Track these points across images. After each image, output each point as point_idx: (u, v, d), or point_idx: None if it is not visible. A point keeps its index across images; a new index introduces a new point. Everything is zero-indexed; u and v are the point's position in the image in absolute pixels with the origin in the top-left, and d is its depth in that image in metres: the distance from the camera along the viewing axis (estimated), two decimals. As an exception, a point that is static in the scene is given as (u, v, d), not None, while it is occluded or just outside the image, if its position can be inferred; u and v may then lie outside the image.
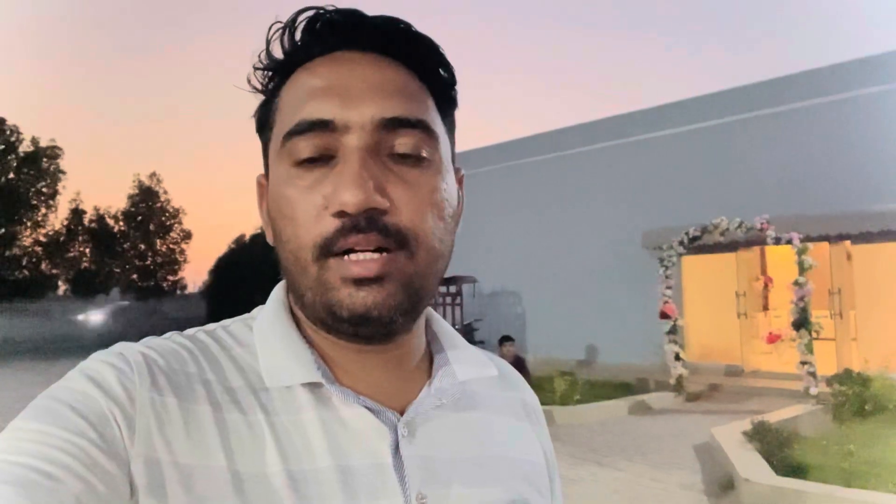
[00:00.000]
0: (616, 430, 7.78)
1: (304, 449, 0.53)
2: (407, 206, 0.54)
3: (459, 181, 0.66)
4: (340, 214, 0.52)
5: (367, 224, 0.52)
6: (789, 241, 9.01)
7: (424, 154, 0.56)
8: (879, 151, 10.01)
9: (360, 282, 0.53)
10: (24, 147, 28.00)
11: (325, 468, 0.53)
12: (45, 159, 28.33)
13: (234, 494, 0.50)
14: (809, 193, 10.47)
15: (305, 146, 0.55)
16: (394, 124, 0.55)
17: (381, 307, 0.53)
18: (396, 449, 0.56)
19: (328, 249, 0.53)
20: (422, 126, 0.56)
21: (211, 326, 0.62)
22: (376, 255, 0.53)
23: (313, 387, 0.57)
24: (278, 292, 0.64)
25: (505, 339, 8.83)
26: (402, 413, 0.58)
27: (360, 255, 0.52)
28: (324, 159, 0.55)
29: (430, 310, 0.68)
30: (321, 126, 0.54)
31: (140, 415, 0.50)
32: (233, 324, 0.63)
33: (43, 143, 28.45)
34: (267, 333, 0.60)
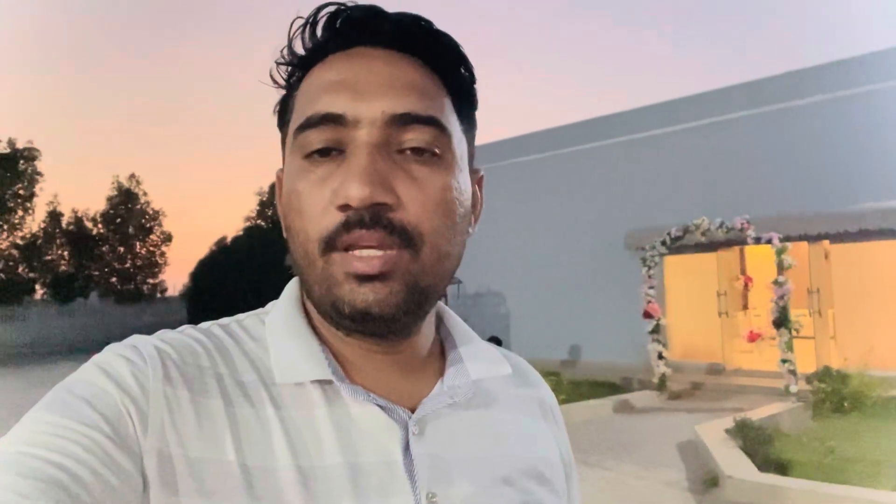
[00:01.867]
0: (601, 429, 7.82)
1: (314, 445, 0.53)
2: (414, 203, 0.54)
3: (478, 182, 0.65)
4: (345, 208, 0.52)
5: (372, 219, 0.52)
6: (769, 241, 9.12)
7: (436, 151, 0.56)
8: (858, 152, 10.18)
9: (362, 278, 0.52)
10: (0, 149, 27.53)
11: (334, 465, 0.53)
12: (21, 161, 27.81)
13: (243, 489, 0.50)
14: (789, 193, 10.61)
15: (316, 140, 0.55)
16: (404, 120, 0.54)
17: (383, 304, 0.53)
18: (407, 447, 0.56)
19: (332, 244, 0.53)
20: (434, 123, 0.55)
21: (225, 321, 0.62)
22: (380, 252, 0.52)
23: (324, 383, 0.56)
24: (292, 287, 0.64)
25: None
26: (413, 411, 0.58)
27: (364, 252, 0.52)
28: (334, 153, 0.55)
29: (443, 306, 0.67)
30: (332, 120, 0.54)
31: (153, 409, 0.50)
32: (246, 318, 0.63)
33: (19, 145, 27.94)
34: (279, 329, 0.60)
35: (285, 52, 0.60)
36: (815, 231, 10.13)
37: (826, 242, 10.41)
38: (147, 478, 0.48)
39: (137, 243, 32.24)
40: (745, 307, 13.11)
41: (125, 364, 0.52)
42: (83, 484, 0.44)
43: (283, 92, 0.62)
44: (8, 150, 27.64)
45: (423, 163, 0.55)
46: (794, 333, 8.87)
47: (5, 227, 27.98)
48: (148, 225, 32.33)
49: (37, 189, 28.66)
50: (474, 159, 0.64)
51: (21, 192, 28.09)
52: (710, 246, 11.31)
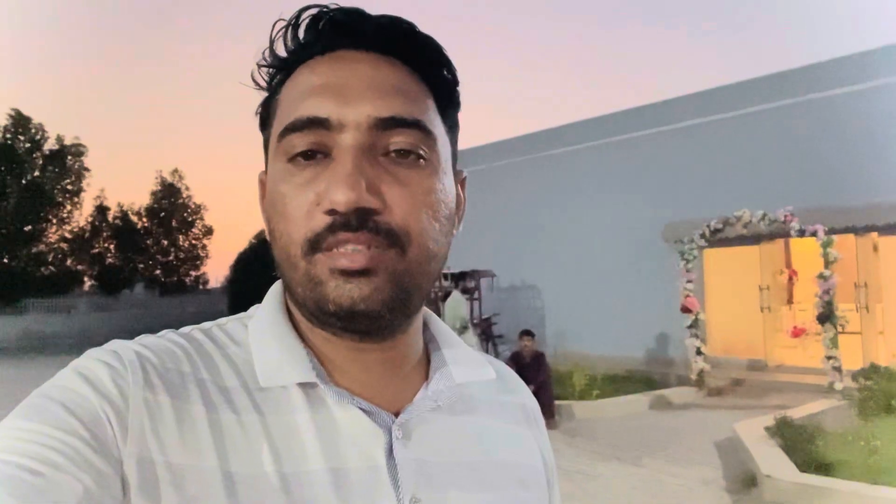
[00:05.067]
0: (636, 426, 7.73)
1: (298, 450, 0.53)
2: (400, 206, 0.54)
3: (461, 183, 0.66)
4: (331, 213, 0.52)
5: (358, 223, 0.52)
6: (814, 234, 8.87)
7: (420, 154, 0.56)
8: (907, 141, 9.79)
9: (347, 274, 0.52)
10: (49, 145, 28.41)
11: (317, 470, 0.53)
12: (69, 157, 28.73)
13: (225, 496, 0.49)
14: (834, 184, 10.26)
15: (300, 143, 0.55)
16: (390, 124, 0.54)
17: (368, 300, 0.52)
18: (391, 451, 0.56)
19: (317, 245, 0.53)
20: (418, 126, 0.56)
21: (207, 325, 0.62)
22: (365, 249, 0.52)
23: (308, 387, 0.56)
24: (275, 291, 0.64)
25: (524, 334, 8.41)
26: (397, 415, 0.58)
27: (349, 247, 0.52)
28: (319, 157, 0.55)
29: (427, 311, 0.67)
30: (317, 124, 0.54)
31: (133, 414, 0.50)
32: (229, 322, 0.63)
33: (67, 141, 28.81)
34: (262, 332, 0.60)
35: (267, 53, 0.59)
36: (863, 223, 9.80)
37: (874, 235, 10.07)
38: (127, 484, 0.48)
39: (180, 236, 33.07)
40: (790, 301, 12.79)
41: (104, 369, 0.52)
42: (61, 490, 0.44)
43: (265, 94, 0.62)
44: (56, 147, 28.57)
45: (409, 165, 0.55)
46: (839, 329, 8.61)
47: (54, 221, 28.97)
48: (190, 219, 33.13)
49: (84, 184, 29.61)
50: (458, 159, 0.64)
51: (69, 186, 29.04)
52: (753, 239, 11.03)
